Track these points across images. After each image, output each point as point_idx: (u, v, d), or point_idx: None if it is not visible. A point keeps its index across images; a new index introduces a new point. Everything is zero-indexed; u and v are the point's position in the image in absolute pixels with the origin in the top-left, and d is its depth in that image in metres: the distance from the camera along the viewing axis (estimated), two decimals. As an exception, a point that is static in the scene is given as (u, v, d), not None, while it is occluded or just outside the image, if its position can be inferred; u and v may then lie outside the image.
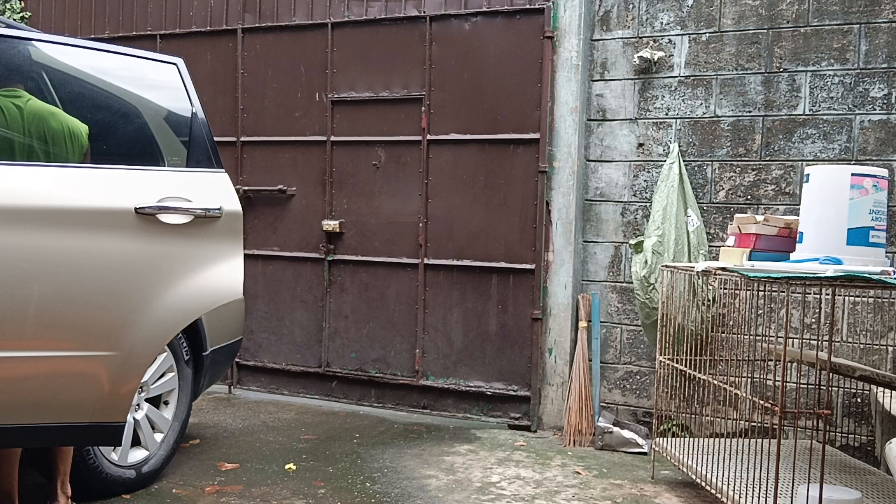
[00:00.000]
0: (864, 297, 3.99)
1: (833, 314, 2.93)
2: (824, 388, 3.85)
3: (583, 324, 4.46)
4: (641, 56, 4.37)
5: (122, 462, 3.28)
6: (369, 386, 4.99)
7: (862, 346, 4.00)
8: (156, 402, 3.50)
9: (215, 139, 4.16)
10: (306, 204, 5.11)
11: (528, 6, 4.56)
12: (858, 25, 4.03)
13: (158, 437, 3.50)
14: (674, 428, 4.24)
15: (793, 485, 3.12)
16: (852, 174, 3.13)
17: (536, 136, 4.54)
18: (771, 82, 4.20)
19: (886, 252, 3.47)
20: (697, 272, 3.38)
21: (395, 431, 4.45)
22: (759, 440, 3.41)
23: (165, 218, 3.03)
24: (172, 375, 3.53)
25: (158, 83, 3.40)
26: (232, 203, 3.44)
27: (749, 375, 3.82)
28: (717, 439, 3.65)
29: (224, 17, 5.30)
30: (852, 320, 4.03)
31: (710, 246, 4.27)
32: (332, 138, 5.02)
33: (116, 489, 3.26)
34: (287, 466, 3.76)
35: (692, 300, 4.02)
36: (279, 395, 5.17)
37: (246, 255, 4.44)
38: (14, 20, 4.63)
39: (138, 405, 3.37)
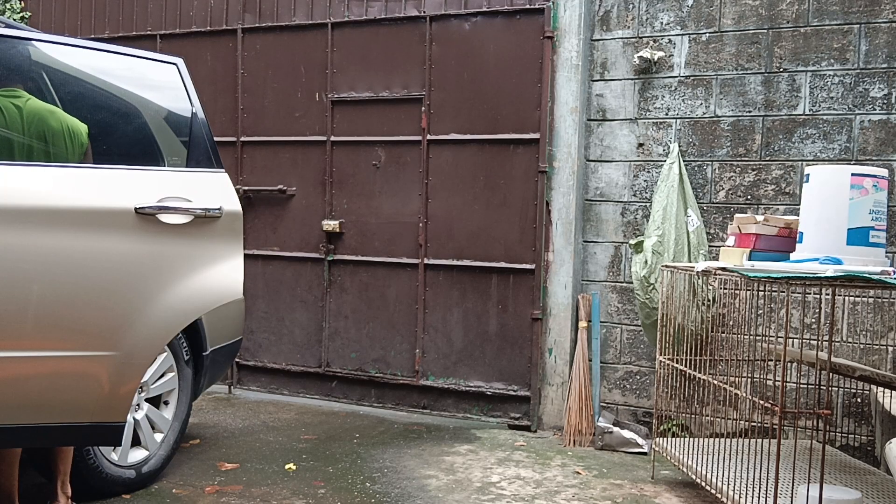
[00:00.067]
0: (864, 297, 3.99)
1: (833, 314, 2.92)
2: (824, 388, 3.85)
3: (583, 324, 4.46)
4: (641, 56, 4.37)
5: (122, 462, 3.28)
6: (369, 386, 4.99)
7: (862, 346, 4.00)
8: (156, 402, 3.50)
9: (215, 139, 4.16)
10: (306, 204, 5.11)
11: (528, 6, 4.56)
12: (858, 25, 4.03)
13: (158, 437, 3.50)
14: (674, 428, 4.24)
15: (793, 485, 3.12)
16: (852, 174, 3.13)
17: (536, 136, 4.54)
18: (771, 82, 4.20)
19: (886, 252, 3.47)
20: (697, 272, 3.38)
21: (395, 431, 4.45)
22: (759, 440, 3.41)
23: (165, 218, 3.03)
24: (172, 375, 3.53)
25: (158, 83, 3.40)
26: (232, 203, 3.44)
27: (749, 375, 3.82)
28: (717, 439, 3.65)
29: (224, 17, 5.30)
30: (852, 320, 4.03)
31: (710, 246, 4.27)
32: (332, 138, 5.02)
33: (116, 489, 3.26)
34: (287, 466, 3.76)
35: (692, 300, 4.02)
36: (279, 395, 5.17)
37: (246, 255, 4.45)
38: (14, 20, 4.63)
39: (138, 405, 3.37)
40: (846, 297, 4.01)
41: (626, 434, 4.22)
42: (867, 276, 2.73)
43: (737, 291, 4.15)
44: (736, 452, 3.34)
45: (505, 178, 4.64)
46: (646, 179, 4.45)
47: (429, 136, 4.78)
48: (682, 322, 3.88)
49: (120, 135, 3.25)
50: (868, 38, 4.02)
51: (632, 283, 4.38)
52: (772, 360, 3.76)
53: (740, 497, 3.01)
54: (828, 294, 3.67)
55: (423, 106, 4.79)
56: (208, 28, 5.33)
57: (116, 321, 2.85)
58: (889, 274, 2.82)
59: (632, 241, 4.31)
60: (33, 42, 2.99)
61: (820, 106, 4.11)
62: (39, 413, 2.70)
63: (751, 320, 4.12)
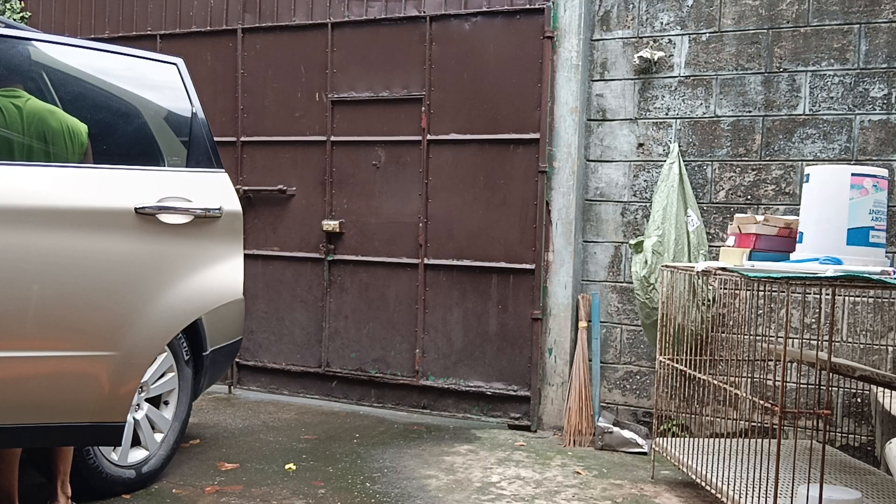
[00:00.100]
0: (864, 297, 3.99)
1: (833, 314, 2.92)
2: (824, 388, 3.85)
3: (583, 324, 4.46)
4: (641, 56, 4.37)
5: (122, 462, 3.28)
6: (369, 386, 4.99)
7: (862, 346, 4.00)
8: (156, 402, 3.50)
9: (215, 139, 4.16)
10: (306, 204, 5.11)
11: (528, 6, 4.56)
12: (858, 25, 4.03)
13: (158, 437, 3.50)
14: (674, 428, 4.24)
15: (793, 485, 3.12)
16: (852, 174, 3.13)
17: (536, 136, 4.54)
18: (771, 82, 4.20)
19: (886, 252, 3.47)
20: (697, 272, 3.38)
21: (395, 431, 4.45)
22: (759, 440, 3.41)
23: (165, 218, 3.03)
24: (172, 375, 3.53)
25: (158, 83, 3.40)
26: (232, 203, 3.44)
27: (749, 375, 3.82)
28: (717, 439, 3.65)
29: (224, 17, 5.30)
30: (852, 320, 4.03)
31: (710, 246, 4.27)
32: (332, 138, 5.02)
33: (116, 489, 3.26)
34: (287, 466, 3.76)
35: (692, 300, 4.02)
36: (279, 395, 5.17)
37: (246, 255, 4.45)
38: (14, 20, 4.63)
39: (138, 405, 3.37)
40: (846, 297, 4.01)
41: (626, 434, 4.22)
42: (867, 276, 2.73)
43: (737, 291, 4.15)
44: (736, 452, 3.34)
45: (505, 178, 4.64)
46: (646, 179, 4.45)
47: (429, 136, 4.78)
48: (682, 322, 3.88)
49: (120, 135, 3.25)
50: (868, 38, 4.02)
51: (632, 283, 4.38)
52: (772, 360, 3.76)
53: (740, 497, 3.01)
54: (828, 294, 3.67)
55: (423, 106, 4.79)
56: (208, 28, 5.33)
57: (116, 321, 2.85)
58: (889, 274, 2.82)
59: (632, 241, 4.31)
60: (33, 42, 2.99)
61: (820, 106, 4.11)
62: (39, 413, 2.70)
63: (751, 320, 4.12)
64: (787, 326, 2.84)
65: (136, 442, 3.38)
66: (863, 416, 4.01)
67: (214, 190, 3.36)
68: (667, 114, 4.39)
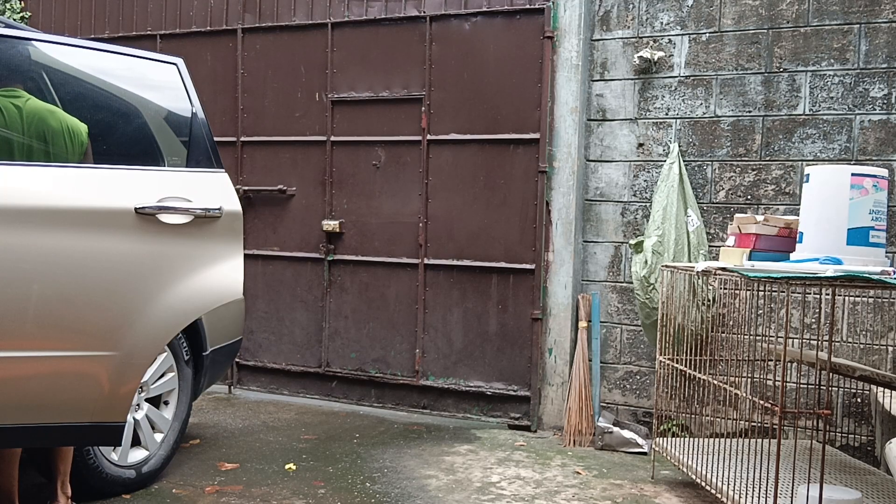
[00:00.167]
0: (864, 297, 3.99)
1: (833, 314, 2.92)
2: (824, 388, 3.85)
3: (583, 324, 4.46)
4: (641, 56, 4.37)
5: (122, 462, 3.28)
6: (369, 386, 4.99)
7: (862, 346, 4.00)
8: (156, 402, 3.50)
9: (215, 139, 4.16)
10: (306, 204, 5.11)
11: (528, 6, 4.56)
12: (858, 25, 4.03)
13: (158, 437, 3.50)
14: (674, 428, 4.24)
15: (793, 485, 3.12)
16: (852, 174, 3.13)
17: (536, 136, 4.54)
18: (771, 82, 4.20)
19: (886, 252, 3.47)
20: (697, 272, 3.38)
21: (395, 431, 4.45)
22: (759, 440, 3.41)
23: (165, 218, 3.03)
24: (172, 375, 3.53)
25: (158, 83, 3.40)
26: (232, 203, 3.44)
27: (749, 375, 3.81)
28: (717, 439, 3.65)
29: (224, 17, 5.30)
30: (852, 320, 4.03)
31: (710, 246, 4.27)
32: (332, 138, 5.02)
33: (116, 489, 3.26)
34: (287, 466, 3.76)
35: (692, 300, 4.02)
36: (279, 395, 5.17)
37: (246, 255, 4.45)
38: (14, 20, 4.63)
39: (138, 405, 3.37)
40: (846, 297, 4.01)
41: (626, 434, 4.22)
42: (867, 276, 2.73)
43: (737, 291, 4.15)
44: (736, 452, 3.34)
45: (505, 178, 4.64)
46: (646, 179, 4.45)
47: (429, 136, 4.78)
48: (682, 322, 3.88)
49: (120, 135, 3.25)
50: (868, 38, 4.02)
51: (632, 283, 4.38)
52: (772, 360, 3.76)
53: (740, 497, 3.01)
54: (828, 294, 3.67)
55: (423, 106, 4.79)
56: (208, 28, 5.33)
57: (116, 321, 2.85)
58: (889, 274, 2.82)
59: (632, 241, 4.31)
60: (33, 42, 2.99)
61: (820, 106, 4.11)
62: (39, 413, 2.70)
63: (751, 320, 4.12)
64: (787, 326, 2.84)
65: (136, 442, 3.38)
66: (863, 416, 4.01)
67: (214, 190, 3.36)
68: (667, 114, 4.39)
